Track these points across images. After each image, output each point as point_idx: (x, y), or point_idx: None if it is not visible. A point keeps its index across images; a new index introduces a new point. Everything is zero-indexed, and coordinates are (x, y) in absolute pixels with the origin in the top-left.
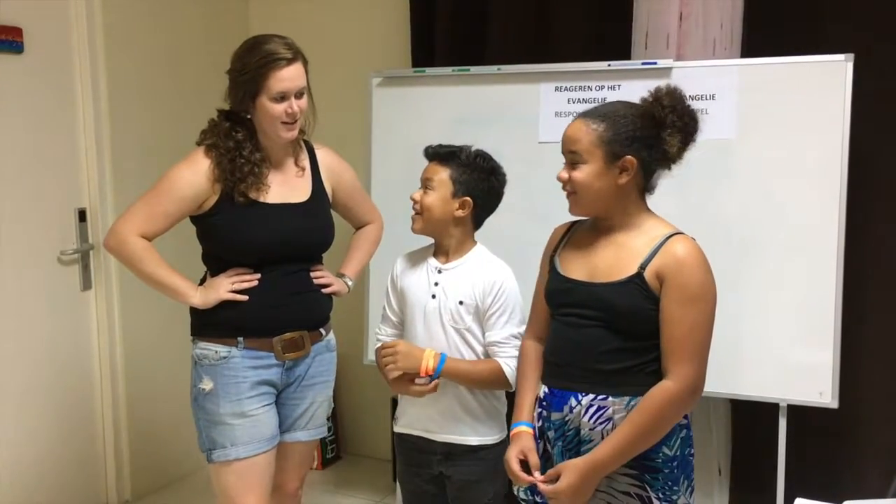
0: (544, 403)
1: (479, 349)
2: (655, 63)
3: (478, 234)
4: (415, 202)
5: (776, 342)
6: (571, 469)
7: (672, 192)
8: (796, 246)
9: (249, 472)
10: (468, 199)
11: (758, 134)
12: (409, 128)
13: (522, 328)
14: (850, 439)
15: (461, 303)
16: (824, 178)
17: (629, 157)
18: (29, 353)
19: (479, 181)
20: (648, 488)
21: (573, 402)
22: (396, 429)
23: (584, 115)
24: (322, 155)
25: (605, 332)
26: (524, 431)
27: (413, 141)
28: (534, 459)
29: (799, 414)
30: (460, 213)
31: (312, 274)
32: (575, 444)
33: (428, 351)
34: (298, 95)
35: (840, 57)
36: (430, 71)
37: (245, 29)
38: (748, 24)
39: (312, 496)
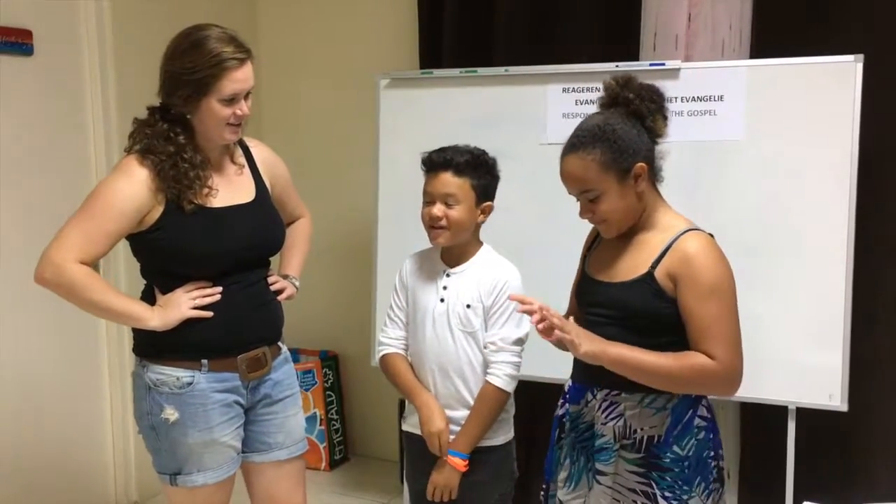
0: (567, 396)
1: None
2: (664, 64)
3: (486, 236)
4: (438, 218)
5: (785, 344)
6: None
7: (680, 193)
8: (805, 247)
9: (215, 495)
10: (490, 203)
11: (766, 135)
12: (416, 129)
13: (522, 332)
14: (860, 442)
15: (468, 306)
16: (833, 179)
17: (638, 164)
18: (37, 356)
19: (490, 181)
20: (654, 485)
21: (589, 396)
22: (405, 427)
23: (572, 148)
24: (257, 150)
25: (619, 331)
26: None
27: (421, 142)
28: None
29: (808, 417)
30: (482, 218)
31: (268, 280)
32: (588, 438)
33: (459, 463)
34: (246, 96)
35: (849, 58)
36: (437, 72)
37: (253, 32)
38: (757, 26)
39: (320, 497)
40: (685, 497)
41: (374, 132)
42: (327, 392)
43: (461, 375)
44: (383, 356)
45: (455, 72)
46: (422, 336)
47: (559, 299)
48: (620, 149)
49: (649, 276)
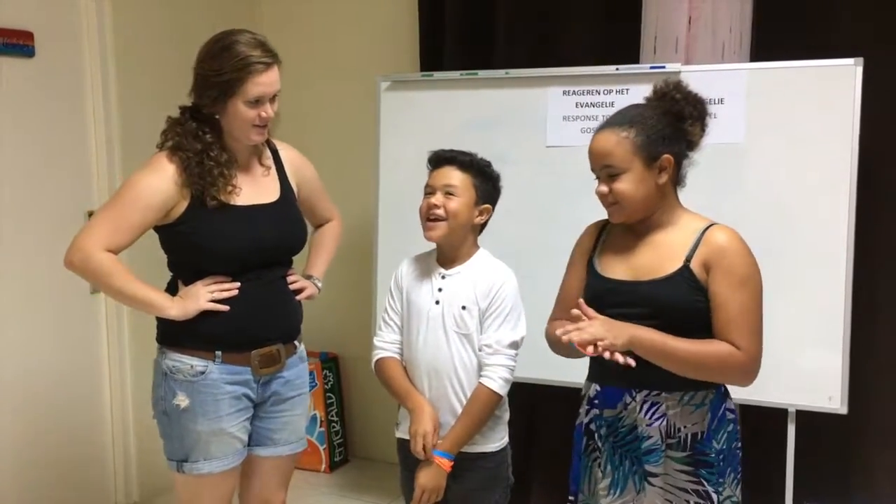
0: (596, 402)
1: None
2: (664, 67)
3: (486, 237)
4: (436, 207)
5: (785, 347)
6: (610, 319)
7: (680, 195)
8: (805, 250)
9: (220, 485)
10: (489, 206)
11: (766, 138)
12: (417, 132)
13: (518, 335)
14: (859, 445)
15: (464, 308)
16: (834, 182)
17: (667, 155)
18: (38, 356)
19: (492, 189)
20: (705, 483)
21: (627, 398)
22: (398, 434)
23: (608, 125)
24: (285, 153)
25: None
26: None
27: (421, 145)
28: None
29: (808, 419)
30: (480, 219)
31: (288, 279)
32: (630, 441)
33: (444, 463)
34: (272, 100)
35: (849, 61)
36: (438, 75)
37: None
38: (757, 28)
39: (320, 499)
40: (720, 489)
41: (375, 134)
42: (327, 394)
43: (455, 378)
44: (378, 360)
45: (455, 74)
46: (415, 338)
47: None
48: (653, 136)
49: (685, 269)
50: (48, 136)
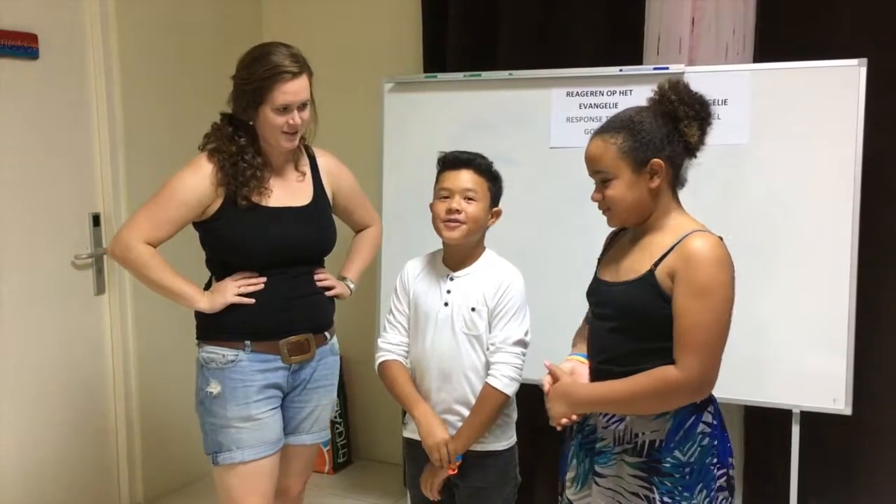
0: None
1: None
2: (667, 68)
3: (488, 239)
4: (457, 212)
5: (789, 348)
6: (560, 383)
7: (684, 197)
8: (810, 251)
9: (254, 476)
10: (499, 209)
11: (770, 139)
12: (420, 133)
13: (524, 333)
14: (864, 446)
15: (473, 309)
16: (838, 183)
17: (655, 160)
18: (42, 357)
19: (499, 191)
20: (655, 490)
21: None
22: (405, 434)
23: (600, 131)
24: (322, 160)
25: (619, 334)
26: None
27: (424, 146)
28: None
29: (812, 420)
30: (492, 222)
31: (315, 277)
32: (593, 441)
33: (451, 467)
34: (301, 108)
35: (853, 62)
36: (441, 76)
37: (258, 35)
38: (761, 29)
39: (323, 500)
40: (684, 503)
41: (379, 136)
42: None
43: (465, 380)
44: (382, 363)
45: (459, 76)
46: (423, 341)
47: (563, 303)
48: (642, 140)
49: (650, 274)
50: (52, 138)
